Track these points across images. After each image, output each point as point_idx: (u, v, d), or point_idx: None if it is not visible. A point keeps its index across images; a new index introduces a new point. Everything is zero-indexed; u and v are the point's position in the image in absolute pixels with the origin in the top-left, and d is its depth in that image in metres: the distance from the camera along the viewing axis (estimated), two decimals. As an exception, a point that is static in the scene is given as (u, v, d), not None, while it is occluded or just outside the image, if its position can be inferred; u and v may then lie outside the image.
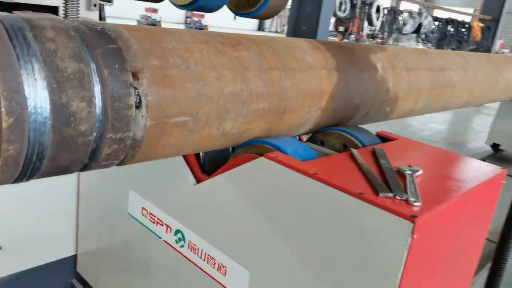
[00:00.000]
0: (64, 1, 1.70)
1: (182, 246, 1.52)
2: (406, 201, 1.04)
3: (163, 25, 19.84)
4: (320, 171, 1.15)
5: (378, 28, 8.48)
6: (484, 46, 10.88)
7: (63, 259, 2.16)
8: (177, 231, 1.53)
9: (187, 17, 23.61)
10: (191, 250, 1.49)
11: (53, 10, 1.87)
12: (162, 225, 1.59)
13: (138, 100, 1.00)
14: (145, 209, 1.66)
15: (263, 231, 1.26)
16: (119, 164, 1.10)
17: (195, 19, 21.04)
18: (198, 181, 1.46)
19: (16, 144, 0.83)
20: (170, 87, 1.05)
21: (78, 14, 1.75)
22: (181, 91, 1.07)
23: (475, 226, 1.44)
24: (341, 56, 1.59)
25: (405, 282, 0.99)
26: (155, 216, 1.62)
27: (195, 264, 1.48)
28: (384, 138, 1.65)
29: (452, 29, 10.55)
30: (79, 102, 0.88)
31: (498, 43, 11.97)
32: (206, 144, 1.24)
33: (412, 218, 0.96)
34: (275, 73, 1.31)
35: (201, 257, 1.45)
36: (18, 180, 0.92)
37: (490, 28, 10.85)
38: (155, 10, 19.12)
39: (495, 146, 5.94)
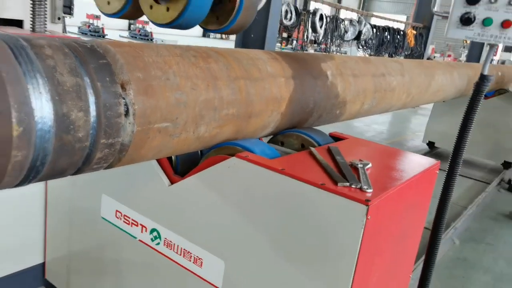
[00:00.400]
0: (31, 15, 1.76)
1: (158, 243, 1.63)
2: (360, 189, 1.23)
3: (107, 31, 19.39)
4: (286, 167, 1.31)
5: (322, 35, 8.90)
6: (418, 51, 11.67)
7: (30, 267, 2.18)
8: (153, 230, 1.64)
9: (130, 24, 23.22)
10: (167, 247, 1.61)
11: (18, 23, 1.91)
12: (137, 225, 1.69)
13: (126, 109, 1.12)
14: (119, 212, 1.75)
15: (236, 224, 1.40)
16: (107, 167, 1.20)
17: (139, 25, 20.75)
18: (172, 182, 1.58)
19: (24, 150, 0.92)
20: (153, 97, 1.18)
21: (46, 27, 1.81)
22: (162, 100, 1.20)
23: (416, 212, 1.67)
24: (297, 65, 1.77)
25: (362, 256, 1.18)
26: (129, 218, 1.71)
27: (172, 260, 1.60)
28: (336, 138, 1.85)
29: (388, 36, 11.26)
30: (77, 111, 0.99)
31: (430, 48, 12.88)
32: (183, 147, 1.37)
33: (366, 202, 1.15)
34: (242, 82, 1.47)
35: (177, 252, 1.57)
36: (20, 184, 1.01)
37: (422, 35, 11.65)
38: (97, 17, 18.66)
39: (430, 144, 6.45)
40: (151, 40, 19.16)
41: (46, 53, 0.98)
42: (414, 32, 11.40)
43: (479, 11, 1.60)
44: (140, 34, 19.94)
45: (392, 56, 11.53)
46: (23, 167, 0.95)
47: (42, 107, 0.93)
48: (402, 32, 11.62)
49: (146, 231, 1.66)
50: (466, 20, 1.62)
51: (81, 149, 1.04)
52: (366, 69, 2.26)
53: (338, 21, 9.47)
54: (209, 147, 1.52)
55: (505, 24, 1.57)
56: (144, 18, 2.02)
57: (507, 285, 3.16)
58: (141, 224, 1.68)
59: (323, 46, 10.55)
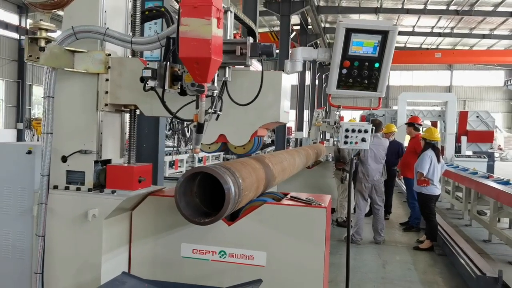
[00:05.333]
0: (130, 155, 3.33)
1: (224, 257, 3.27)
2: (318, 205, 3.23)
3: None
4: (285, 203, 3.24)
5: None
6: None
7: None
8: (221, 251, 3.28)
9: None
10: (230, 257, 3.26)
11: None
12: (209, 252, 3.30)
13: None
14: (195, 249, 3.32)
15: (269, 233, 3.21)
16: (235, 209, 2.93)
17: None
18: (228, 224, 3.28)
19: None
20: (244, 182, 2.99)
21: (135, 160, 3.38)
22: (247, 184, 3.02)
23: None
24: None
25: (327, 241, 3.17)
26: (203, 250, 3.31)
27: (235, 263, 3.25)
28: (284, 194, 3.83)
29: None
30: (236, 188, 2.76)
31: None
32: (245, 202, 3.16)
33: (323, 207, 3.15)
34: (261, 172, 3.35)
35: (238, 257, 3.25)
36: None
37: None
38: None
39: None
40: None
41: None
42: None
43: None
44: None
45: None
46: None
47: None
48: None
49: (216, 254, 3.29)
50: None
51: (235, 203, 2.78)
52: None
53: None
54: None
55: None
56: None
57: None
58: (212, 251, 3.30)
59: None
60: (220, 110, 2.64)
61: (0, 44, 27.06)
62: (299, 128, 22.81)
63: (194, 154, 16.13)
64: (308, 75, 26.46)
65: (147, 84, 2.55)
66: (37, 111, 31.82)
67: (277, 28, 21.95)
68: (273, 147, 18.30)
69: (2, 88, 28.02)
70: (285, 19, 16.56)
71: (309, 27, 23.37)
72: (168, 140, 13.33)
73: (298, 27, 22.79)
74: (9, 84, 28.20)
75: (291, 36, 17.89)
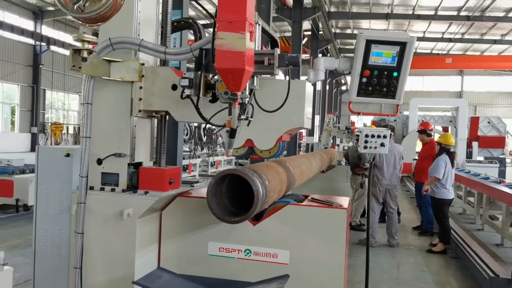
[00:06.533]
0: (160, 158, 3.53)
1: (250, 255, 3.45)
2: (338, 206, 3.40)
3: None
4: (308, 203, 3.41)
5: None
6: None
7: None
8: (246, 249, 3.46)
9: None
10: (255, 255, 3.44)
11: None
12: (235, 251, 3.48)
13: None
14: (222, 248, 3.50)
15: (291, 233, 3.38)
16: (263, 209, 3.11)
17: None
18: (253, 224, 3.47)
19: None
20: (269, 185, 3.18)
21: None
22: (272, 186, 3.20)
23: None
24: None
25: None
26: (229, 249, 3.49)
27: (259, 261, 3.43)
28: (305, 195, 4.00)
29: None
30: (263, 190, 2.94)
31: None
32: (270, 203, 3.34)
33: (344, 208, 3.33)
34: (284, 176, 3.54)
35: (262, 255, 3.43)
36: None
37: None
38: None
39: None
40: None
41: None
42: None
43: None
44: None
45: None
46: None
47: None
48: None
49: (241, 252, 3.47)
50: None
51: (262, 203, 2.96)
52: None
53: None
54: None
55: (360, 140, 4.06)
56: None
57: (373, 272, 5.57)
58: (238, 249, 3.48)
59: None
60: (252, 117, 2.83)
61: (15, 49, 27.81)
62: (310, 133, 22.96)
63: (208, 159, 16.38)
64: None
65: (184, 92, 2.75)
66: (50, 115, 32.41)
67: (288, 34, 22.17)
68: (284, 152, 18.40)
69: (17, 93, 28.65)
70: (297, 25, 16.78)
71: (320, 32, 23.58)
72: (185, 144, 13.60)
73: (309, 33, 23.00)
74: (24, 88, 28.88)
75: (303, 42, 18.09)
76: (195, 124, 14.31)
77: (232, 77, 2.46)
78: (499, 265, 5.60)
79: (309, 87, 3.26)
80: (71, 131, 31.41)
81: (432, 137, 9.21)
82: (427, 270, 6.11)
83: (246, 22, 2.40)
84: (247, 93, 2.73)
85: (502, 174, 14.80)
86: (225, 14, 2.41)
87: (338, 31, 28.14)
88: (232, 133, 2.67)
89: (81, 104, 3.31)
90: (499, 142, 17.33)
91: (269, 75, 3.03)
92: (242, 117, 2.72)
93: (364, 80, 3.12)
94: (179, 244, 3.58)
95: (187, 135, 12.35)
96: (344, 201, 3.63)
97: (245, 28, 2.39)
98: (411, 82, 41.65)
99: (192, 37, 4.17)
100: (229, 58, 2.41)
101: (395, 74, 3.09)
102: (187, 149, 14.32)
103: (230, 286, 2.81)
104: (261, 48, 3.08)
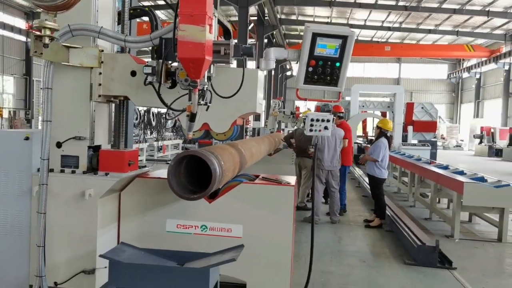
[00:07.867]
0: (119, 141, 3.70)
1: (206, 231, 3.73)
2: (286, 183, 3.75)
3: None
4: (259, 181, 3.74)
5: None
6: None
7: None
8: (202, 225, 3.73)
9: None
10: (211, 230, 3.73)
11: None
12: (192, 227, 3.74)
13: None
14: (179, 225, 3.75)
15: (244, 209, 3.69)
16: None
17: None
18: (209, 201, 3.74)
19: (217, 181, 3.12)
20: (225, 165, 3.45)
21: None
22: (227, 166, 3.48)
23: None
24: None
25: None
26: (187, 225, 3.75)
27: (215, 235, 3.72)
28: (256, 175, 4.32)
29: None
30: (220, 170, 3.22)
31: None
32: (225, 181, 3.62)
33: (291, 185, 3.68)
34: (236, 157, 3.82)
35: (217, 230, 3.72)
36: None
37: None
38: None
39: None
40: None
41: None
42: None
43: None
44: None
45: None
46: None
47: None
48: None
49: (198, 228, 3.74)
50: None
51: (219, 181, 3.24)
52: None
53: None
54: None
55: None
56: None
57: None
58: (194, 225, 3.74)
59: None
60: (210, 102, 3.08)
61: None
62: (257, 118, 23.34)
63: (154, 143, 16.33)
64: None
65: (147, 79, 2.94)
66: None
67: (234, 18, 22.25)
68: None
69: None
70: (243, 11, 16.91)
71: (266, 18, 23.86)
72: (135, 128, 13.46)
73: (255, 18, 23.20)
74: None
75: (249, 27, 18.28)
76: (144, 108, 14.23)
77: (193, 65, 2.70)
78: (427, 235, 6.27)
79: (260, 75, 3.55)
80: (5, 115, 29.79)
81: (343, 119, 9.69)
82: (365, 243, 6.70)
83: (206, 16, 2.63)
84: (205, 80, 2.97)
85: (433, 156, 16.02)
86: (186, 8, 2.63)
87: (283, 16, 28.58)
88: (192, 117, 2.91)
89: (41, 88, 3.39)
90: (431, 126, 18.68)
91: (223, 64, 3.28)
92: (202, 102, 2.96)
93: (310, 69, 3.44)
94: (138, 222, 3.79)
95: (136, 119, 12.26)
96: (291, 179, 3.99)
97: (205, 21, 2.63)
98: (353, 69, 43.18)
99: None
100: (191, 49, 2.64)
101: (337, 64, 3.43)
102: (135, 134, 14.21)
103: (189, 257, 3.06)
104: (217, 39, 3.32)
